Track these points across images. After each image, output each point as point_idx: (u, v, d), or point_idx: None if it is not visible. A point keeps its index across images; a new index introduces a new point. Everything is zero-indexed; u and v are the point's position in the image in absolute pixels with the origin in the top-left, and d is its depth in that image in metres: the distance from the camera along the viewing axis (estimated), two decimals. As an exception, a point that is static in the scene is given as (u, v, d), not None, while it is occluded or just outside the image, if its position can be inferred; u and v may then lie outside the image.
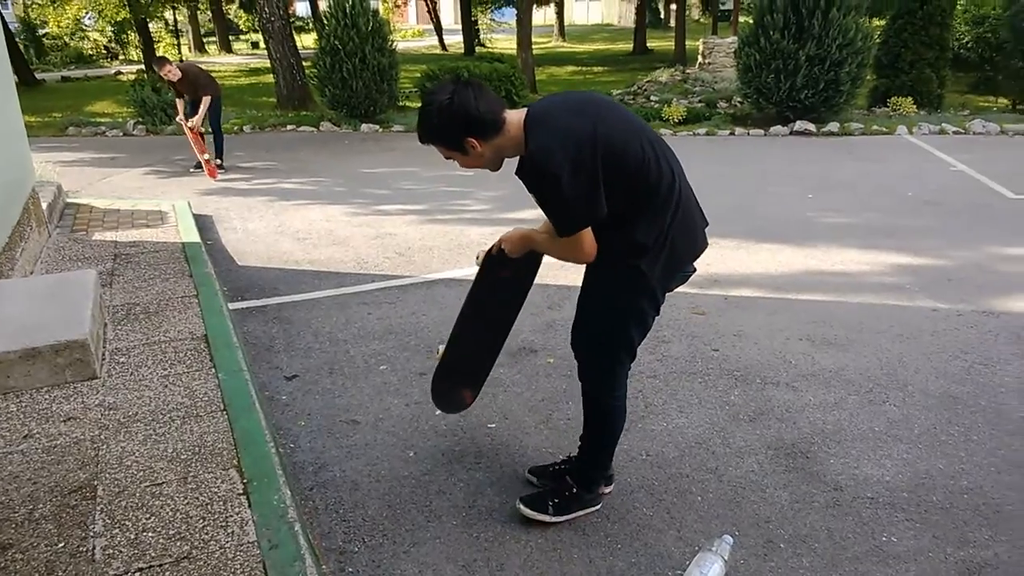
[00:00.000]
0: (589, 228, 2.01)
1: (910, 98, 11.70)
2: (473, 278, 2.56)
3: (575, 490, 2.42)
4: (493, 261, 2.44)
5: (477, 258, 2.52)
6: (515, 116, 2.02)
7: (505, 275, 2.48)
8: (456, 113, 1.95)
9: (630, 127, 2.06)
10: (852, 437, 2.91)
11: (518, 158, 2.02)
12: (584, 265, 2.19)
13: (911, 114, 11.52)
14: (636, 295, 2.16)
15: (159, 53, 22.15)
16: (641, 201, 2.04)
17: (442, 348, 2.61)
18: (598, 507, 2.48)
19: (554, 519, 2.40)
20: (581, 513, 2.44)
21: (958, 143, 9.78)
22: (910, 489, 2.58)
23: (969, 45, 14.80)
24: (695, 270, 2.27)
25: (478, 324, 2.60)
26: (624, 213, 2.02)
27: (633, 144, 2.01)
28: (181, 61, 8.76)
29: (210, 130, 8.51)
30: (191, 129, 8.09)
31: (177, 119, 8.50)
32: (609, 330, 2.23)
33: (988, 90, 14.01)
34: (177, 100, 8.33)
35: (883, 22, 12.55)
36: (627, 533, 2.37)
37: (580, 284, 2.29)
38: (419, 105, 2.03)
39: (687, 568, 2.12)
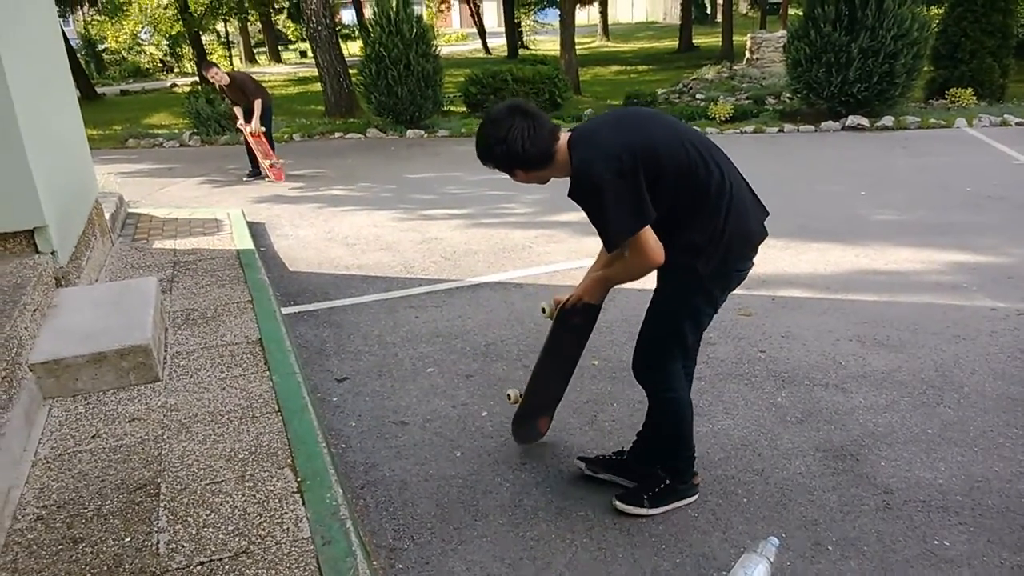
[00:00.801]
0: (648, 229, 2.05)
1: (970, 89, 11.31)
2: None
3: (668, 482, 2.47)
4: (567, 312, 2.54)
5: (543, 311, 2.62)
6: (563, 140, 2.15)
7: (576, 321, 2.58)
8: (506, 153, 2.11)
9: (671, 133, 2.13)
10: (904, 440, 2.86)
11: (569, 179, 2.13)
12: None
13: (971, 106, 11.14)
14: (691, 294, 2.21)
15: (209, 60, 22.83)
16: (691, 203, 2.10)
17: (512, 393, 2.76)
18: (695, 498, 2.51)
19: (651, 511, 2.44)
20: (678, 504, 2.48)
21: (1021, 135, 9.43)
22: (964, 492, 2.52)
23: (1035, 31, 14.20)
24: (752, 266, 2.29)
25: (552, 367, 2.73)
26: (676, 216, 2.10)
27: (675, 148, 2.08)
28: (232, 70, 9.00)
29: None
30: (252, 134, 8.31)
31: (238, 126, 8.66)
32: (662, 326, 2.29)
33: (1055, 79, 13.44)
34: (235, 109, 8.53)
35: (941, 10, 12.15)
36: (672, 534, 2.38)
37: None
38: (477, 124, 2.17)
39: (732, 569, 2.11)
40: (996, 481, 2.58)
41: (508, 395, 2.77)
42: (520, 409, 2.80)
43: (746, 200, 2.19)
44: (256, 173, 8.65)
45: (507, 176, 2.23)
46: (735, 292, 2.37)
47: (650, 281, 2.30)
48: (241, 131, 8.54)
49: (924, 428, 2.93)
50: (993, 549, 2.25)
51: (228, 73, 8.37)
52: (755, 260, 2.29)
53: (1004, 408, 3.05)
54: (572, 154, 2.10)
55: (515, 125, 2.08)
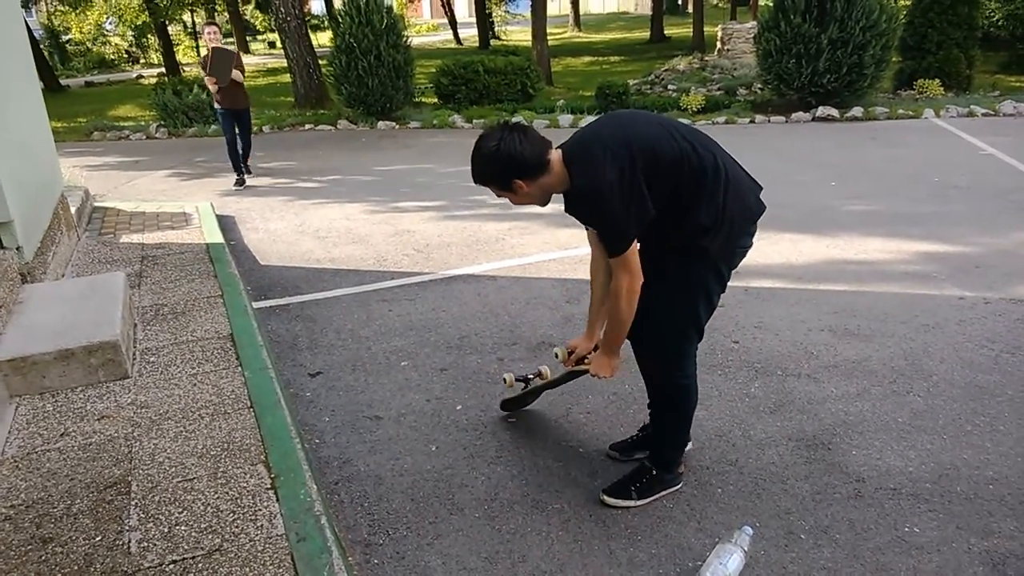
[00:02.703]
0: (634, 250, 2.14)
1: (937, 80, 11.50)
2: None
3: (655, 472, 2.50)
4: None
5: (556, 355, 2.74)
6: (557, 155, 2.19)
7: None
8: (502, 158, 2.13)
9: (657, 127, 2.19)
10: (875, 428, 2.90)
11: (563, 194, 2.22)
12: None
13: (938, 96, 11.33)
14: (702, 274, 2.28)
15: (179, 56, 22.33)
16: (692, 189, 2.16)
17: (508, 377, 2.92)
18: (679, 487, 2.54)
19: (639, 503, 2.47)
20: (664, 493, 2.52)
21: (987, 125, 9.62)
22: (934, 480, 2.57)
23: (999, 23, 14.48)
24: (752, 244, 2.36)
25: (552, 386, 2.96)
26: (681, 203, 2.17)
27: (665, 141, 2.15)
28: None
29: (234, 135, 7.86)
30: (212, 80, 7.46)
31: (207, 81, 7.63)
32: (679, 309, 2.31)
33: (1020, 69, 13.70)
34: (208, 77, 7.50)
35: (908, 2, 12.36)
36: (648, 525, 2.39)
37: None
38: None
39: (707, 559, 2.13)
40: (964, 468, 2.63)
41: (504, 379, 2.90)
42: (517, 397, 2.99)
43: (741, 177, 2.29)
44: (242, 181, 7.85)
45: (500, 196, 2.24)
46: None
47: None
48: (209, 89, 7.68)
49: (894, 417, 2.98)
50: (962, 535, 2.29)
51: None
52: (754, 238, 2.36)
53: (972, 396, 3.11)
54: (571, 173, 2.15)
55: (507, 135, 2.14)
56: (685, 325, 2.33)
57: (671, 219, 2.17)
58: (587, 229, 2.36)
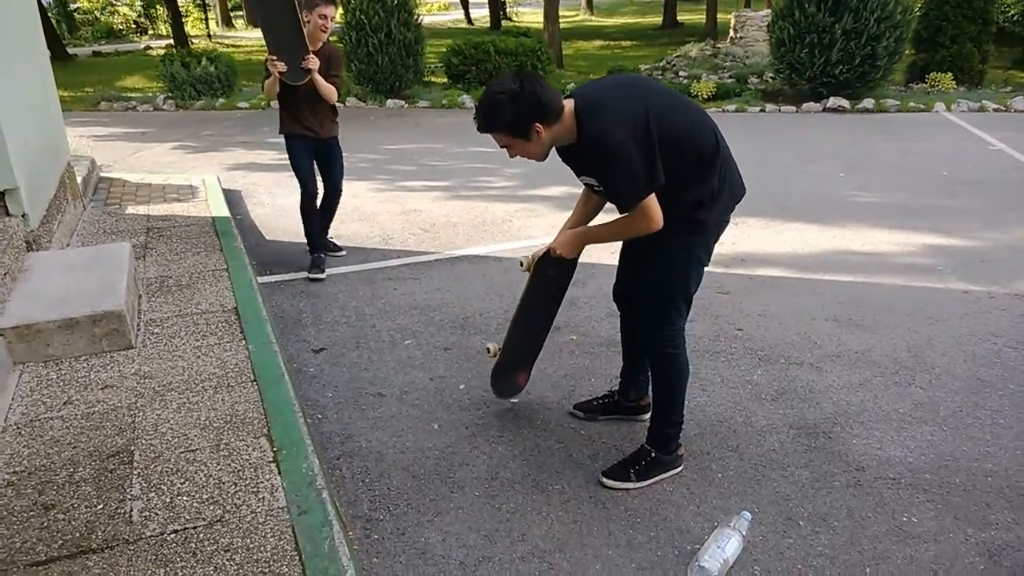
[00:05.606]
0: (653, 196, 2.14)
1: (949, 74, 11.42)
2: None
3: (654, 455, 2.52)
4: (542, 263, 2.59)
5: (521, 264, 2.65)
6: (569, 104, 2.18)
7: (551, 273, 2.64)
8: (528, 100, 2.09)
9: (675, 104, 2.25)
10: (876, 418, 2.90)
11: (556, 147, 2.25)
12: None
13: (950, 91, 11.25)
14: (695, 246, 2.34)
15: (188, 28, 22.11)
16: (694, 164, 2.23)
17: (491, 347, 2.81)
18: (680, 470, 2.56)
19: (638, 485, 2.49)
20: (663, 476, 2.53)
21: (998, 121, 9.55)
22: (933, 471, 2.57)
23: (1015, 18, 14.36)
24: (730, 220, 2.41)
25: (528, 319, 2.80)
26: (681, 177, 2.20)
27: (681, 120, 2.21)
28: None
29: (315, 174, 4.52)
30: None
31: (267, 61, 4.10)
32: (672, 283, 2.37)
33: (1035, 66, 13.60)
34: (274, 79, 4.10)
35: (924, -6, 12.25)
36: (647, 508, 2.40)
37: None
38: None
39: (705, 543, 2.15)
40: (964, 460, 2.63)
41: (488, 348, 2.83)
42: (499, 361, 2.83)
43: (731, 160, 2.34)
44: (321, 267, 4.48)
45: (498, 149, 2.24)
46: (713, 270, 2.41)
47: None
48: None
49: (895, 407, 2.98)
50: (959, 526, 2.30)
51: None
52: (734, 238, 2.39)
53: (973, 389, 3.11)
54: (584, 122, 2.13)
55: (526, 80, 2.11)
56: (678, 300, 2.39)
57: (671, 191, 2.19)
58: (584, 183, 2.40)
